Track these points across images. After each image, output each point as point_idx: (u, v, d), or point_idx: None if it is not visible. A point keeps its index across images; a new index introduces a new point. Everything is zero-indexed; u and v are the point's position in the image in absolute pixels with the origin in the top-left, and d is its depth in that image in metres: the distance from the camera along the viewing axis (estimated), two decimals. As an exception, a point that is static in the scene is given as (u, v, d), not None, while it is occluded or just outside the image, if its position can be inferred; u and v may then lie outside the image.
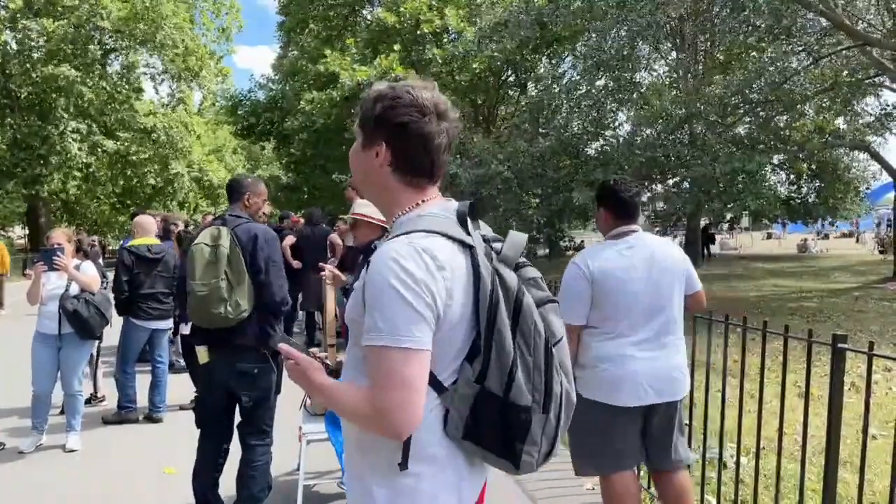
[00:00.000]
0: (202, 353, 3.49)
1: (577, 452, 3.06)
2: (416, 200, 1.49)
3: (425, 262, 1.33)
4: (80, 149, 27.43)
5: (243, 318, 3.30)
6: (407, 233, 1.39)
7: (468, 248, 1.40)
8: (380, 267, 1.33)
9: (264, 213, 3.79)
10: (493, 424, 1.38)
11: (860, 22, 13.35)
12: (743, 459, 3.66)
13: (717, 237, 31.69)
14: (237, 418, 3.59)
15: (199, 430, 3.61)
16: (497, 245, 1.49)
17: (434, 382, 1.39)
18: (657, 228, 17.82)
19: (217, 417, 3.56)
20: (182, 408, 5.95)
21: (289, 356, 1.51)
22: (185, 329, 6.05)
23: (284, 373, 3.52)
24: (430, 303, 1.32)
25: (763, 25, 12.84)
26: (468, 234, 1.42)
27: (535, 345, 1.38)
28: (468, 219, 1.45)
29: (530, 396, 1.38)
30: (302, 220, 9.91)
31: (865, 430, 2.65)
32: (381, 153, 1.47)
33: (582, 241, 36.25)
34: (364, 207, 3.77)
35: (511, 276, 1.41)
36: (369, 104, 1.51)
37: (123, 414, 5.69)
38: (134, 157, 29.87)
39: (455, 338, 1.38)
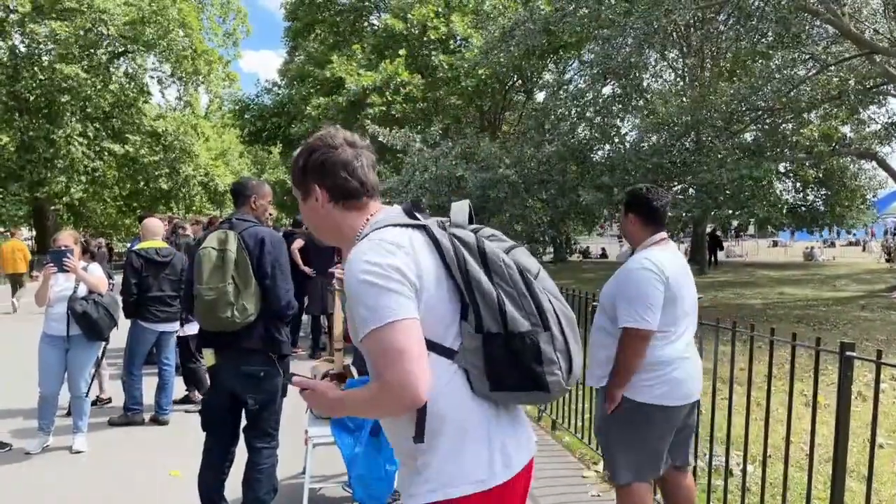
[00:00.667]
0: (209, 356, 3.50)
1: (624, 461, 2.94)
2: (364, 219, 1.66)
3: (383, 248, 1.48)
4: (84, 153, 27.56)
5: (250, 322, 3.31)
6: (363, 238, 1.57)
7: (421, 227, 1.56)
8: (349, 271, 1.48)
9: (270, 215, 3.80)
10: (508, 362, 1.50)
11: (867, 30, 13.33)
12: (749, 467, 3.64)
13: (724, 244, 31.60)
14: (243, 421, 3.60)
15: (205, 433, 3.62)
16: (445, 221, 1.65)
17: (442, 350, 1.51)
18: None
19: (223, 420, 3.56)
20: (174, 402, 6.02)
21: (304, 387, 1.63)
22: (182, 331, 6.08)
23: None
24: (398, 278, 1.44)
25: (770, 33, 12.84)
26: (417, 219, 1.59)
27: (510, 277, 1.53)
28: (414, 212, 1.62)
29: (527, 321, 1.51)
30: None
31: (873, 439, 2.64)
32: (318, 195, 1.66)
33: (588, 248, 36.24)
34: None
35: (466, 233, 1.57)
36: (295, 167, 1.72)
37: (130, 416, 5.71)
38: (144, 160, 30.02)
39: (441, 303, 1.51)
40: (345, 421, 3.60)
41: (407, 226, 1.56)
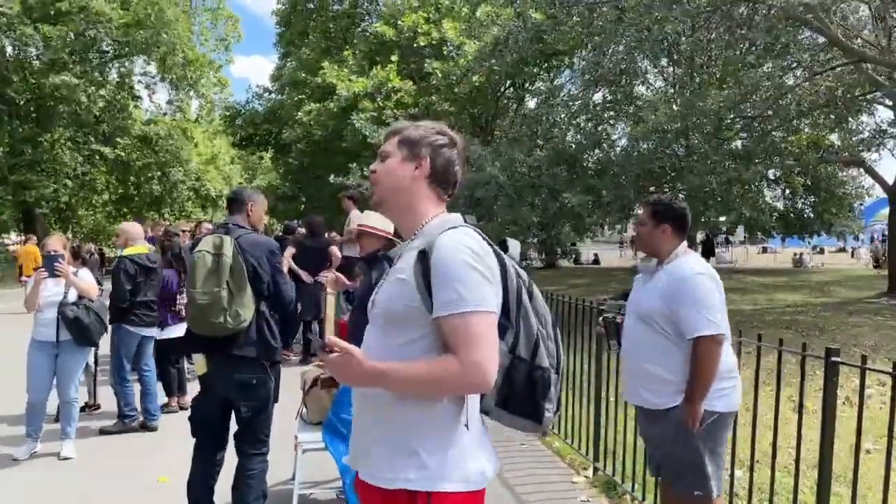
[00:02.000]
0: (200, 363, 3.47)
1: (714, 474, 2.87)
2: (437, 210, 1.76)
3: (481, 244, 1.62)
4: (72, 157, 27.39)
5: (243, 328, 3.30)
6: (453, 228, 1.64)
7: (490, 244, 1.69)
8: (450, 249, 1.57)
9: (264, 224, 3.80)
10: (523, 387, 1.67)
11: (856, 39, 13.46)
12: (737, 472, 3.67)
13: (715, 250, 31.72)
14: (233, 427, 3.59)
15: (195, 439, 3.60)
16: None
17: None
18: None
19: (213, 426, 3.56)
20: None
21: (337, 347, 1.58)
22: (161, 335, 6.05)
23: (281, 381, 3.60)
24: (492, 275, 1.59)
25: (760, 42, 12.94)
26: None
27: (546, 320, 1.75)
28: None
29: (548, 360, 1.70)
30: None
31: (858, 445, 2.66)
32: (422, 166, 1.74)
33: (580, 253, 36.28)
34: (370, 219, 3.91)
35: (522, 270, 1.75)
36: (412, 130, 1.80)
37: (127, 423, 5.69)
38: (135, 165, 29.87)
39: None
40: (337, 427, 3.62)
41: (481, 236, 1.68)
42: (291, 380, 6.73)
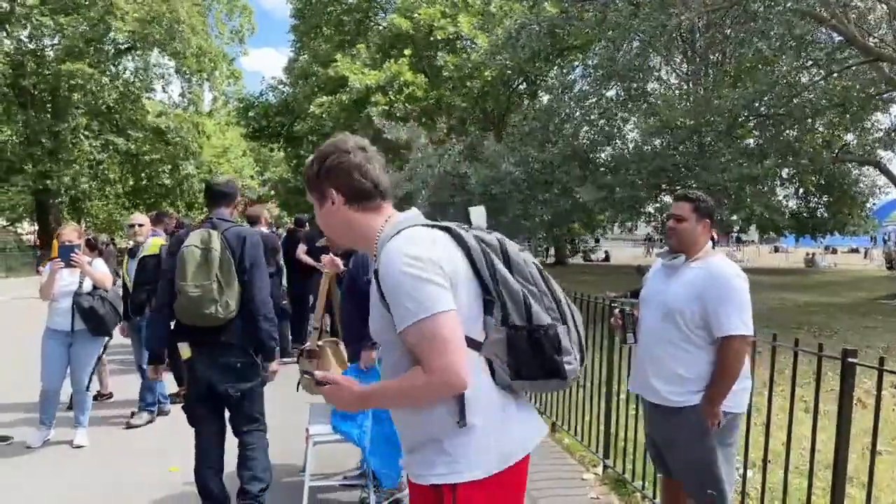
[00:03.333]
0: (184, 350, 3.57)
1: (727, 476, 2.88)
2: (382, 220, 1.73)
3: (419, 243, 1.58)
4: (91, 145, 27.59)
5: (232, 318, 3.45)
6: (395, 236, 1.62)
7: (445, 229, 1.67)
8: (388, 263, 1.56)
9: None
10: (530, 353, 1.62)
11: (872, 37, 13.33)
12: (749, 472, 3.65)
13: (726, 249, 31.55)
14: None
15: (193, 427, 3.69)
16: (465, 226, 1.76)
17: (471, 342, 1.60)
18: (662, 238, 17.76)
19: (206, 412, 3.65)
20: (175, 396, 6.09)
21: (326, 381, 1.70)
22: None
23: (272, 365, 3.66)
24: (437, 271, 1.54)
25: (775, 38, 12.83)
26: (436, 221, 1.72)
27: (531, 275, 1.68)
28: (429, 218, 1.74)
29: (548, 316, 1.65)
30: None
31: (873, 446, 2.65)
32: (334, 199, 1.72)
33: (590, 250, 36.18)
34: None
35: (488, 236, 1.70)
36: (309, 173, 1.77)
37: (160, 408, 5.78)
38: (146, 157, 30.01)
39: (469, 298, 1.61)
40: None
41: (433, 226, 1.67)
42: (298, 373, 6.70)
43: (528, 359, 1.62)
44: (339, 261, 3.86)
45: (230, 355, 3.51)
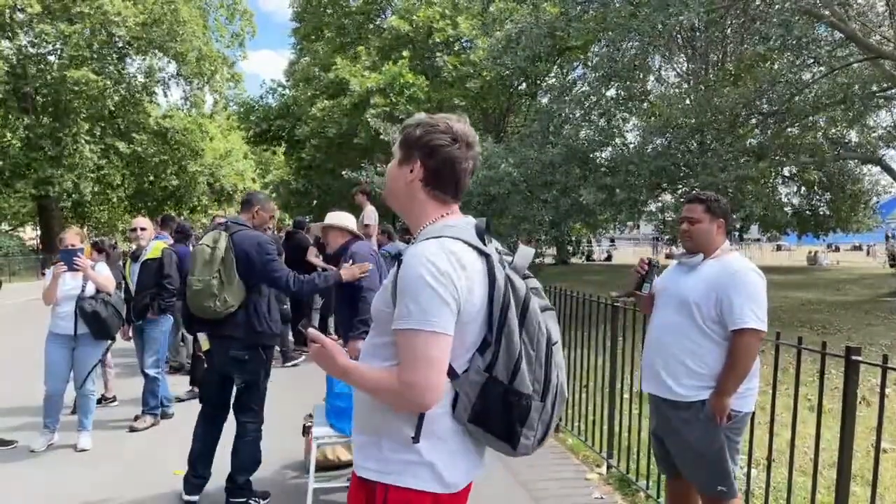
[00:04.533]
0: (203, 341, 4.04)
1: (731, 473, 2.87)
2: (440, 213, 1.71)
3: (451, 260, 1.54)
4: (93, 150, 27.64)
5: (231, 312, 3.76)
6: (436, 237, 1.60)
7: (484, 256, 1.61)
8: (413, 262, 1.55)
9: (269, 228, 4.33)
10: (497, 409, 1.58)
11: (873, 34, 13.31)
12: (753, 471, 3.64)
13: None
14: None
15: (200, 404, 4.13)
16: (507, 258, 1.73)
17: (449, 370, 1.58)
18: (667, 237, 17.79)
19: (214, 394, 4.06)
20: (179, 399, 6.23)
21: (316, 340, 1.68)
22: None
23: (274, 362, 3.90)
24: (454, 294, 1.53)
25: (775, 37, 12.83)
26: (485, 244, 1.64)
27: (538, 342, 1.61)
28: (485, 233, 1.68)
29: (531, 386, 1.59)
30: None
31: (878, 444, 2.64)
32: (415, 169, 1.70)
33: (592, 251, 36.19)
34: (333, 218, 4.33)
35: (520, 283, 1.64)
36: (411, 128, 1.73)
37: (158, 414, 5.80)
38: (152, 160, 30.08)
39: (470, 332, 1.58)
40: (337, 406, 3.89)
41: (475, 248, 1.61)
42: (307, 375, 6.75)
43: (493, 413, 1.59)
44: (356, 270, 3.99)
45: (236, 348, 3.83)
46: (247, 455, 3.98)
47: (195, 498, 4.00)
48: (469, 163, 1.71)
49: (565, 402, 1.73)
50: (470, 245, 1.60)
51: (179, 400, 6.28)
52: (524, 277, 1.69)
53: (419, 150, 1.69)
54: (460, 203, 1.78)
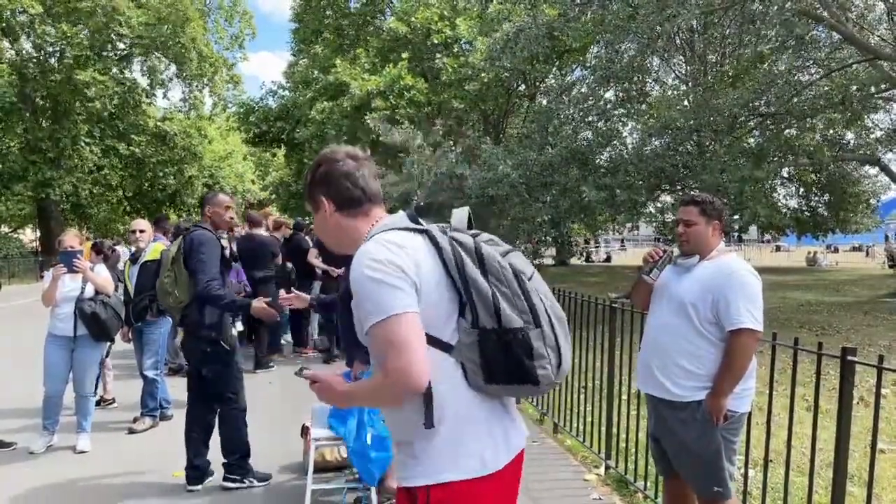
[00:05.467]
0: (181, 334, 4.51)
1: (728, 474, 2.88)
2: (370, 224, 1.79)
3: (386, 247, 1.60)
4: (92, 151, 27.65)
5: (183, 307, 4.12)
6: (368, 240, 1.68)
7: (422, 231, 1.68)
8: (355, 266, 1.60)
9: (231, 219, 4.46)
10: (500, 356, 1.60)
11: (871, 35, 13.34)
12: (751, 472, 3.65)
13: (729, 249, 31.48)
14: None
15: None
16: (446, 227, 1.77)
17: (441, 344, 1.62)
18: (668, 238, 17.79)
19: (194, 383, 4.28)
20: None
21: (312, 379, 1.78)
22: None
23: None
24: (399, 274, 1.56)
25: (773, 39, 12.86)
26: (419, 224, 1.72)
27: (505, 277, 1.63)
28: (416, 217, 1.76)
29: (519, 318, 1.61)
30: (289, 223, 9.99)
31: (874, 444, 2.65)
32: (325, 206, 1.80)
33: (591, 252, 36.19)
34: None
35: (465, 237, 1.68)
36: (305, 183, 1.87)
37: (162, 413, 5.81)
38: (151, 161, 30.08)
39: (440, 300, 1.62)
40: (339, 410, 3.91)
41: (410, 229, 1.68)
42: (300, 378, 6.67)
43: (499, 362, 1.60)
44: (303, 295, 4.08)
45: (199, 341, 4.15)
46: (228, 437, 4.26)
47: (197, 487, 4.25)
48: (363, 169, 1.80)
49: (565, 321, 1.72)
50: (402, 229, 1.68)
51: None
52: (475, 237, 1.71)
53: (316, 188, 1.81)
54: (382, 205, 1.84)
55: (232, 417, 4.27)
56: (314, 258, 8.19)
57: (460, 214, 1.79)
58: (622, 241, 35.98)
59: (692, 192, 3.24)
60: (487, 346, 1.60)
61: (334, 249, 1.88)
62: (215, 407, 4.27)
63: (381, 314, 1.53)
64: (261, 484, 4.29)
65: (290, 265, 8.73)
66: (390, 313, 1.53)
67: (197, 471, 4.25)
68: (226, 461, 4.28)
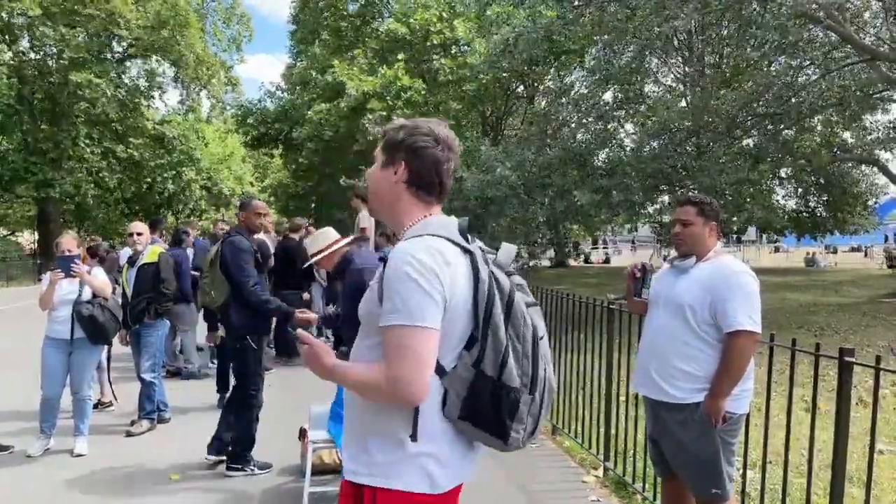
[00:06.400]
0: (219, 334, 5.26)
1: (727, 475, 2.88)
2: (423, 214, 1.74)
3: (434, 256, 1.56)
4: (92, 152, 27.66)
5: (219, 306, 4.53)
6: (419, 236, 1.62)
7: (468, 253, 1.63)
8: (398, 260, 1.56)
9: (262, 224, 4.89)
10: (486, 404, 1.59)
11: (868, 36, 13.34)
12: (749, 472, 3.65)
13: (727, 250, 31.54)
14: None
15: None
16: (490, 255, 1.75)
17: (437, 367, 1.59)
18: (664, 239, 17.79)
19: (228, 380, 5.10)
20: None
21: (304, 341, 1.71)
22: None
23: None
24: (439, 289, 1.54)
25: (771, 40, 12.86)
26: (468, 242, 1.67)
27: (524, 336, 1.63)
28: (467, 231, 1.70)
29: (519, 380, 1.60)
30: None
31: (872, 445, 2.65)
32: (399, 171, 1.73)
33: (590, 254, 36.17)
34: (312, 245, 4.20)
35: (504, 278, 1.66)
36: (393, 131, 1.77)
37: (162, 416, 5.82)
38: (150, 164, 30.08)
39: (456, 328, 1.59)
40: (341, 414, 3.71)
41: (458, 245, 1.63)
42: (304, 379, 6.72)
43: (482, 408, 1.59)
44: (313, 315, 4.41)
45: (231, 340, 4.56)
46: (239, 429, 4.55)
47: (212, 458, 4.69)
48: (451, 164, 1.75)
49: (554, 393, 1.72)
50: (453, 242, 1.62)
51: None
52: (509, 274, 1.71)
53: (403, 152, 1.72)
54: (443, 205, 1.80)
55: (248, 413, 4.52)
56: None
57: (508, 251, 1.77)
58: (633, 241, 35.85)
59: (689, 193, 3.24)
60: (478, 389, 1.59)
61: (373, 205, 1.83)
62: (235, 400, 4.62)
63: (409, 319, 1.51)
64: (261, 472, 4.50)
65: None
66: (418, 323, 1.51)
67: (220, 442, 4.65)
68: (231, 450, 4.55)
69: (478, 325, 1.59)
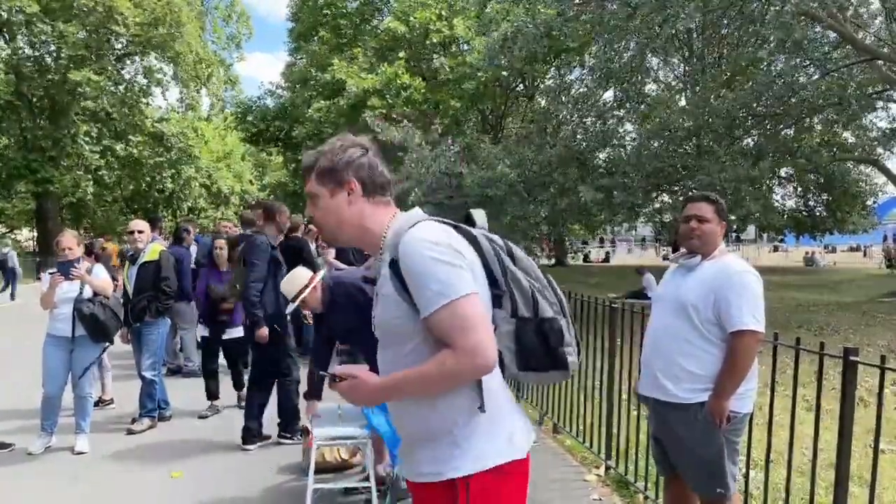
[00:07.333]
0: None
1: (730, 474, 2.87)
2: (389, 215, 1.77)
3: (440, 234, 1.62)
4: (91, 150, 27.64)
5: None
6: (410, 226, 1.65)
7: (453, 227, 1.71)
8: (412, 251, 1.59)
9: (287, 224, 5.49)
10: (536, 344, 1.70)
11: (868, 36, 13.35)
12: (752, 472, 3.65)
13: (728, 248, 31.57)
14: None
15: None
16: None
17: None
18: (664, 239, 17.79)
19: (255, 365, 5.28)
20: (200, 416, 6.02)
21: (345, 376, 1.69)
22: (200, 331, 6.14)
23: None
24: (459, 256, 1.60)
25: (772, 39, 12.86)
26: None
27: (535, 272, 1.77)
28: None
29: (551, 309, 1.73)
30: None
31: (876, 445, 2.65)
32: (353, 187, 1.75)
33: (590, 252, 36.20)
34: (288, 287, 3.94)
35: (494, 236, 1.78)
36: (324, 161, 1.78)
37: (163, 413, 5.84)
38: (149, 162, 30.05)
39: (483, 290, 1.65)
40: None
41: (442, 223, 1.70)
42: (301, 379, 6.74)
43: (535, 350, 1.69)
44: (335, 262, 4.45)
45: (249, 333, 5.12)
46: (283, 405, 5.17)
47: (250, 447, 5.04)
48: (381, 161, 1.81)
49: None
50: (437, 221, 1.70)
51: (202, 417, 6.01)
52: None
53: (345, 170, 1.75)
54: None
55: (286, 389, 5.17)
56: (331, 258, 8.14)
57: (481, 214, 1.85)
58: (643, 238, 35.85)
59: (704, 191, 3.24)
60: (525, 334, 1.69)
61: (333, 237, 1.83)
62: (271, 383, 5.14)
63: (454, 293, 1.54)
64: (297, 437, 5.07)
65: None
66: (460, 294, 1.54)
67: (249, 432, 5.03)
68: (280, 421, 5.15)
69: (496, 281, 1.68)
